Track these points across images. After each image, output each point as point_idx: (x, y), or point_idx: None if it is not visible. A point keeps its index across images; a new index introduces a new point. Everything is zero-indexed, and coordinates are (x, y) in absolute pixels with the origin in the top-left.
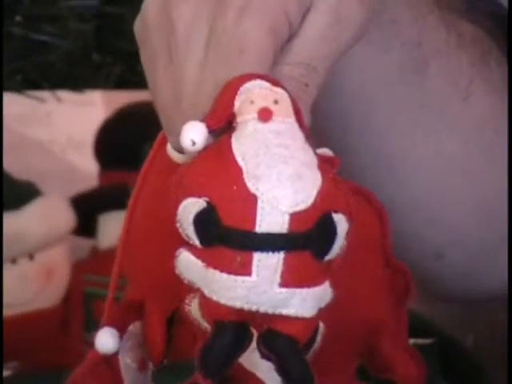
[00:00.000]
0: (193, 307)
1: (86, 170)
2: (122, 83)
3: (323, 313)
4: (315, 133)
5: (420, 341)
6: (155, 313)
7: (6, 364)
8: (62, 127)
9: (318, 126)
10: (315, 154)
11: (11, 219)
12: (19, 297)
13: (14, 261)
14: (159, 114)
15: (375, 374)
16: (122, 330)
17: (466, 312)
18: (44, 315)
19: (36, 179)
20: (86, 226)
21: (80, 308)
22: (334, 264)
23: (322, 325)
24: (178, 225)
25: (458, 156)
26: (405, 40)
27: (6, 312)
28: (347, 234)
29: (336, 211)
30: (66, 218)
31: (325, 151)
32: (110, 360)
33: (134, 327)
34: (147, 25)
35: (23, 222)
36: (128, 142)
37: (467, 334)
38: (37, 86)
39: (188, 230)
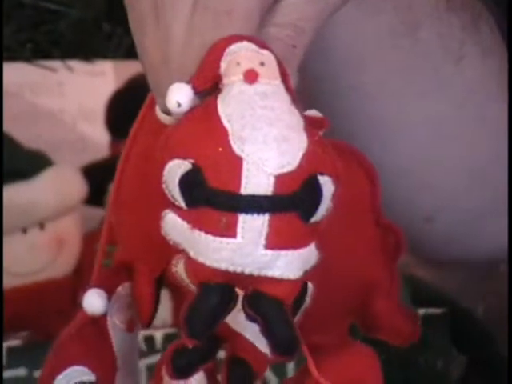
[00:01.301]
0: (179, 268)
1: (97, 139)
2: (132, 53)
3: (314, 273)
4: (304, 96)
5: (432, 310)
6: (144, 273)
7: (17, 334)
8: (73, 97)
9: (308, 89)
10: (302, 116)
11: (22, 189)
12: (30, 266)
13: (24, 230)
14: (147, 75)
15: (367, 334)
16: (110, 291)
17: (476, 282)
18: (55, 285)
19: (47, 149)
20: (97, 195)
21: (91, 278)
22: (320, 226)
23: (310, 285)
24: (163, 186)
25: (450, 120)
26: (396, 3)
27: (17, 282)
28: (333, 195)
29: (322, 173)
30: (78, 187)
31: (314, 112)
32: (98, 321)
33: (123, 288)
34: None
35: (34, 192)
36: (139, 111)
37: (478, 304)
38: (47, 55)
39: (174, 192)
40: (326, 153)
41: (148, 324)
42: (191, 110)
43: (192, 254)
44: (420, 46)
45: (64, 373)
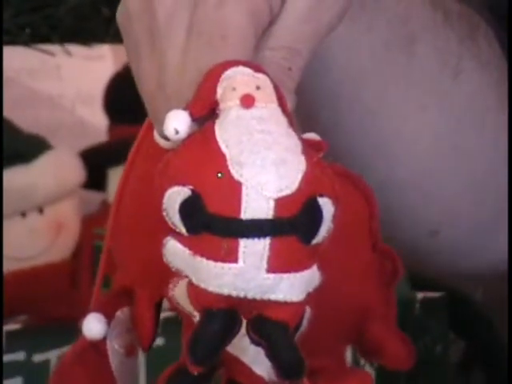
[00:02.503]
0: (176, 292)
1: (96, 123)
2: None
3: (311, 296)
4: (304, 115)
5: (430, 294)
6: (144, 298)
7: (16, 317)
8: (72, 81)
9: (307, 108)
10: (299, 138)
11: (21, 173)
12: (29, 250)
13: (23, 214)
14: (145, 101)
15: (365, 358)
16: (109, 315)
17: None
18: (54, 269)
19: (46, 133)
20: (95, 179)
21: (90, 262)
22: (321, 247)
23: (308, 309)
24: (164, 213)
25: (450, 133)
26: (390, 17)
27: (16, 265)
28: (334, 217)
29: (322, 195)
30: (76, 171)
31: (312, 136)
32: (98, 346)
33: (122, 313)
34: (129, 13)
35: (33, 176)
36: (137, 96)
37: (476, 287)
38: (46, 39)
39: (174, 219)
40: (324, 174)
41: (148, 348)
42: (189, 136)
43: (194, 280)
44: (417, 60)
45: None
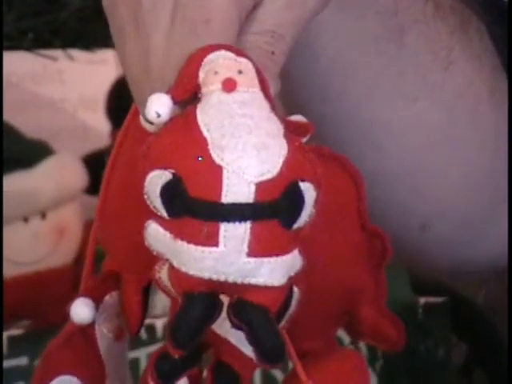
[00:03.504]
0: (162, 274)
1: (98, 128)
2: None
3: (300, 278)
4: (293, 104)
5: (432, 299)
6: (131, 282)
7: (18, 322)
8: (74, 86)
9: (296, 98)
10: (282, 122)
11: (23, 178)
12: (31, 255)
13: (26, 219)
14: (130, 85)
15: (354, 339)
16: (98, 300)
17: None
18: (56, 274)
19: (48, 138)
20: (98, 184)
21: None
22: (302, 232)
23: (296, 290)
24: (145, 197)
25: (441, 125)
26: (380, 8)
27: (18, 270)
28: (315, 201)
29: (303, 180)
30: (78, 176)
31: (299, 118)
32: (86, 330)
33: (111, 297)
34: None
35: (35, 181)
36: None
37: (479, 290)
38: (48, 44)
39: (155, 202)
40: (306, 159)
41: (136, 333)
42: (171, 119)
43: (175, 263)
44: (407, 52)
45: (53, 382)
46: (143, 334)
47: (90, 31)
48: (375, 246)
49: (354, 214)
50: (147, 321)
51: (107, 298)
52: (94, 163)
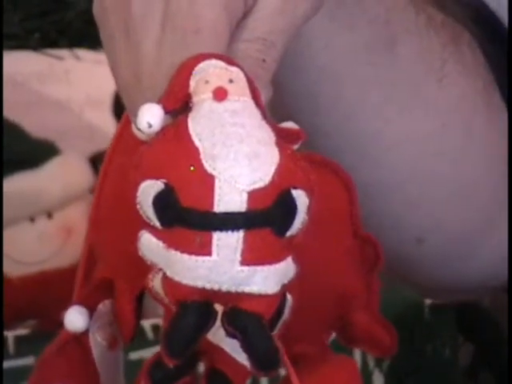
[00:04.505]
0: (155, 282)
1: (105, 128)
2: None
3: (293, 284)
4: (283, 116)
5: (438, 302)
6: (124, 291)
7: (24, 322)
8: (81, 86)
9: (286, 108)
10: (273, 131)
11: (30, 178)
12: (37, 255)
13: (32, 219)
14: (121, 94)
15: (348, 345)
16: (91, 308)
17: None
18: (63, 274)
19: (54, 138)
20: None
21: None
22: (295, 240)
23: (289, 297)
24: (138, 207)
25: (434, 137)
26: (371, 18)
27: (25, 270)
28: (308, 209)
29: (295, 187)
30: (85, 176)
31: (290, 124)
32: (80, 339)
33: (104, 306)
34: (104, 6)
35: (42, 181)
36: None
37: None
38: (55, 44)
39: (148, 212)
40: (298, 166)
41: (130, 341)
42: (162, 129)
43: (168, 273)
44: (399, 62)
45: None
46: (149, 333)
47: (96, 31)
48: (367, 252)
49: (346, 221)
50: (153, 320)
51: (100, 306)
52: (101, 163)
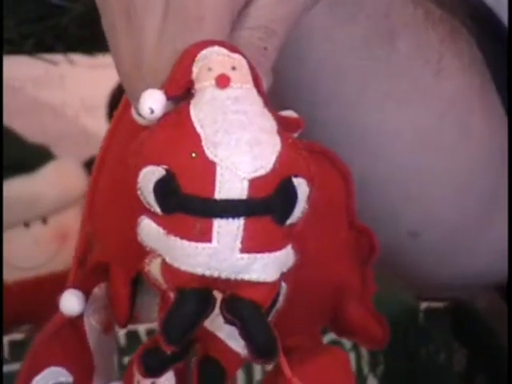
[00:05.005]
0: (152, 267)
1: (100, 133)
2: None
3: (288, 273)
4: (283, 105)
5: (434, 304)
6: (119, 275)
7: (19, 327)
8: (76, 90)
9: (285, 99)
10: (275, 119)
11: (24, 183)
12: (32, 260)
13: (27, 224)
14: (121, 80)
15: (340, 337)
16: (86, 292)
17: None
18: (57, 278)
19: (49, 142)
20: None
21: None
22: (295, 228)
23: (284, 285)
24: (138, 193)
25: (432, 130)
26: (370, 11)
27: (20, 275)
28: (308, 197)
29: (296, 176)
30: (80, 181)
31: (290, 113)
32: (75, 322)
33: (100, 289)
34: None
35: (36, 186)
36: None
37: (480, 295)
38: (50, 48)
39: (148, 198)
40: (299, 155)
41: (125, 325)
42: (164, 115)
43: (168, 259)
44: (398, 55)
45: (42, 374)
46: (143, 338)
47: (91, 36)
48: (362, 243)
49: (342, 211)
50: (147, 325)
51: (96, 289)
52: None
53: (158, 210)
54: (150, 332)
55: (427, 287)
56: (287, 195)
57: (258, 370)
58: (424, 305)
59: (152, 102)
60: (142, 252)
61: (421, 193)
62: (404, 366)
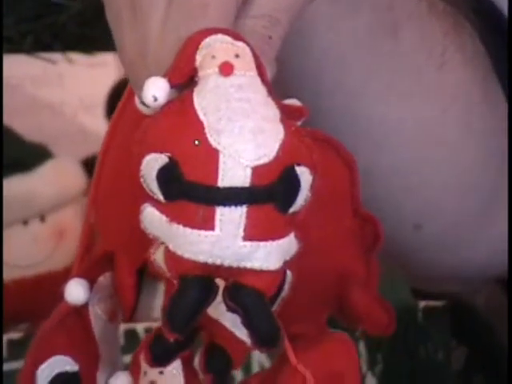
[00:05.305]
0: (157, 256)
1: (98, 131)
2: None
3: (292, 261)
4: (287, 96)
5: (432, 303)
6: (125, 264)
7: (18, 326)
8: (74, 89)
9: (290, 88)
10: (278, 107)
11: (23, 181)
12: (31, 258)
13: (25, 222)
14: (125, 70)
15: (345, 324)
16: (92, 280)
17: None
18: (56, 276)
19: (48, 141)
20: None
21: None
22: (298, 216)
23: (289, 273)
24: (141, 180)
25: (434, 123)
26: (374, 3)
27: (18, 274)
28: (311, 186)
29: (299, 164)
30: (78, 179)
31: (293, 101)
32: (80, 311)
33: (105, 278)
34: None
35: (35, 184)
36: None
37: (479, 292)
38: (48, 47)
39: (151, 186)
40: (302, 143)
41: (130, 314)
42: (168, 103)
43: (171, 247)
44: (401, 47)
45: (47, 362)
46: (142, 336)
47: (90, 34)
48: (367, 230)
49: (346, 199)
50: (146, 324)
51: (101, 278)
52: (94, 167)
53: (160, 197)
54: (148, 330)
55: (429, 279)
56: (290, 183)
57: (255, 368)
58: (423, 303)
59: (155, 90)
60: (146, 240)
61: (424, 185)
62: (403, 364)
